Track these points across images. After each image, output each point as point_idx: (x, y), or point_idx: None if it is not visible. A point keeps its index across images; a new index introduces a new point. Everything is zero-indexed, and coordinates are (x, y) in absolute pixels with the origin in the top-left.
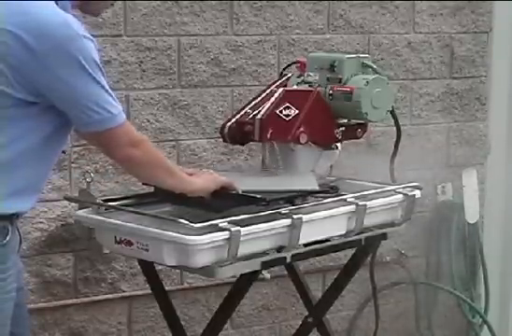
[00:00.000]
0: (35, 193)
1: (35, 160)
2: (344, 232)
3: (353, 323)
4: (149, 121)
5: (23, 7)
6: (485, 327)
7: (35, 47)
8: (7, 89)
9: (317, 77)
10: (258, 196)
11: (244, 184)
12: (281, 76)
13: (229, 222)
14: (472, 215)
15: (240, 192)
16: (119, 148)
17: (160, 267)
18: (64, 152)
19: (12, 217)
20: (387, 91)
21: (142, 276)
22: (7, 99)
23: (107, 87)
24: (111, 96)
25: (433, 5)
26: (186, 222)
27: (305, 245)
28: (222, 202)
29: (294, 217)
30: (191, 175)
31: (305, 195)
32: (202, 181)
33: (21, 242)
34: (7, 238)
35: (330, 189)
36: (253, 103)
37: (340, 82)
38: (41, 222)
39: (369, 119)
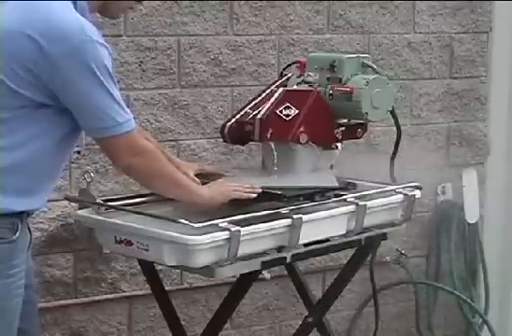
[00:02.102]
0: (47, 192)
1: (47, 159)
2: (344, 232)
3: (353, 323)
4: (149, 121)
5: (42, 11)
6: (485, 327)
7: (49, 51)
8: (22, 90)
9: (317, 77)
10: (279, 192)
11: (264, 181)
12: (281, 76)
13: (229, 222)
14: (472, 215)
15: (255, 195)
16: (119, 157)
17: (160, 267)
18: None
19: (22, 215)
20: (387, 91)
21: (142, 276)
22: (23, 100)
23: (117, 94)
24: (119, 104)
25: (433, 5)
26: (186, 222)
27: (305, 245)
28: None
29: (294, 216)
30: (207, 181)
31: (324, 192)
32: (211, 194)
33: (31, 240)
34: (17, 235)
35: (348, 186)
36: (253, 103)
37: (340, 82)
38: (41, 222)
39: (369, 119)
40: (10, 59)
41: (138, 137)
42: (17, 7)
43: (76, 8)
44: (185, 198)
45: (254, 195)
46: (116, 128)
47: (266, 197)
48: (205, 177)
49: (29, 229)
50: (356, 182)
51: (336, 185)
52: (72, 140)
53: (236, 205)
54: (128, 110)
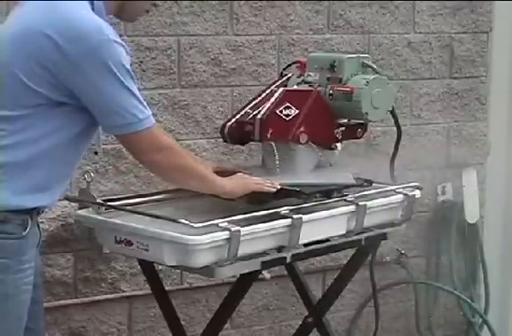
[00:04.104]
0: (59, 189)
1: (61, 157)
2: (344, 232)
3: (353, 323)
4: None
5: (60, 11)
6: (485, 327)
7: (67, 50)
8: (40, 89)
9: (317, 77)
10: (297, 189)
11: (282, 178)
12: (281, 76)
13: (229, 222)
14: (472, 215)
15: (275, 190)
16: (142, 153)
17: (160, 267)
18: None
19: (32, 212)
20: (387, 91)
21: (142, 276)
22: (41, 98)
23: (136, 91)
24: (139, 101)
25: (433, 5)
26: (186, 222)
27: (305, 245)
28: (262, 194)
29: (294, 216)
30: (229, 174)
31: (341, 189)
32: (232, 186)
33: (40, 238)
34: (27, 231)
35: (365, 183)
36: (253, 103)
37: (340, 82)
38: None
39: (369, 119)
40: (29, 58)
41: (160, 133)
42: (37, 7)
43: (93, 9)
44: (207, 190)
45: (274, 189)
46: (137, 124)
47: (284, 194)
48: (222, 175)
49: (39, 227)
50: None
51: (353, 182)
52: (86, 137)
53: (255, 201)
54: (147, 107)
